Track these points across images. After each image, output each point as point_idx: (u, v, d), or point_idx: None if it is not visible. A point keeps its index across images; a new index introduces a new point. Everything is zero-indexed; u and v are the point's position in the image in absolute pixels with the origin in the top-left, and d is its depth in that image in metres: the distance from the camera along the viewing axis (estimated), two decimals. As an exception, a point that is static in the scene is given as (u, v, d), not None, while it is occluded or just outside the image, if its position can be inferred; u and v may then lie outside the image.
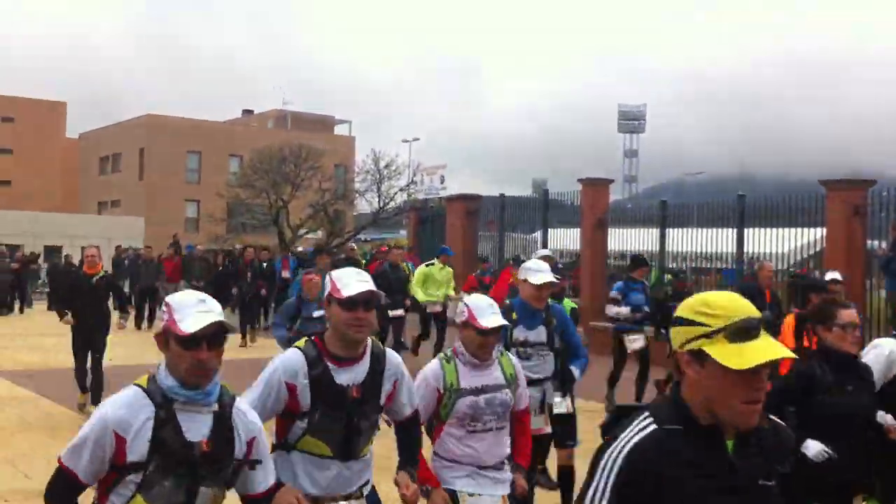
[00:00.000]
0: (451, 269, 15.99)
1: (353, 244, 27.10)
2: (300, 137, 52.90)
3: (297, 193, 39.89)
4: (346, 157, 60.82)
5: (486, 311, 4.48)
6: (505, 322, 4.55)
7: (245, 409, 3.40)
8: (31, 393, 12.15)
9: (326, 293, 3.99)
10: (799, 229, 16.30)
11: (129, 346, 16.36)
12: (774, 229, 16.31)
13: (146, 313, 22.55)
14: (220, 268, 23.13)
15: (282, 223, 38.86)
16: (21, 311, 26.25)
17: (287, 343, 9.18)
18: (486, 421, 4.56)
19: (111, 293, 11.46)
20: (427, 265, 15.82)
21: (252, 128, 69.90)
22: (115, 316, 11.77)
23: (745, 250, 16.89)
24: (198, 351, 3.18)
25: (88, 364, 11.16)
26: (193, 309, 3.20)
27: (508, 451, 4.71)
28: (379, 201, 40.28)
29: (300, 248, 28.80)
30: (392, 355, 4.10)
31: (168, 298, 3.34)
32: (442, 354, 4.72)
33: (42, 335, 19.34)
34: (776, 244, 16.25)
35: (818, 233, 16.29)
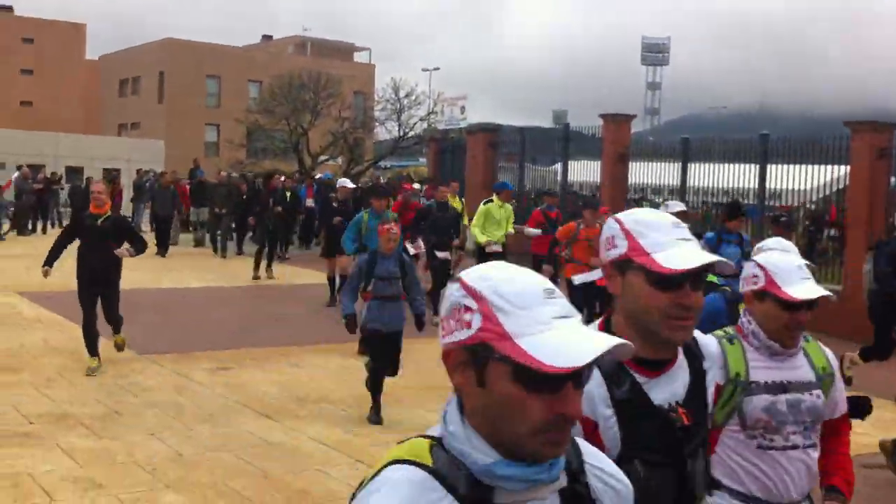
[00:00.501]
0: (510, 207, 14.68)
1: (378, 174, 26.73)
2: (319, 64, 52.60)
3: (317, 121, 39.82)
4: (366, 84, 60.33)
5: (794, 276, 3.05)
6: (825, 292, 3.05)
7: (601, 461, 1.71)
8: (55, 315, 12.31)
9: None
10: (822, 166, 16.17)
11: (144, 271, 16.50)
12: (797, 165, 16.19)
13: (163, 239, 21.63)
14: (244, 195, 21.97)
15: (301, 150, 38.86)
16: (44, 231, 26.47)
17: (353, 321, 7.98)
18: (788, 434, 3.09)
19: (120, 236, 9.14)
20: (486, 202, 14.41)
21: (271, 53, 69.33)
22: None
23: (768, 186, 16.79)
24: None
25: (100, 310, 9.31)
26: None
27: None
28: (399, 130, 40.20)
29: (318, 175, 28.68)
30: (706, 341, 2.44)
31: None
32: (721, 332, 3.16)
33: (64, 256, 19.55)
34: (799, 181, 16.17)
35: (841, 170, 16.16)
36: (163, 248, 20.87)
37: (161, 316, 12.82)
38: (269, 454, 6.72)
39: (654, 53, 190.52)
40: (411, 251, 13.54)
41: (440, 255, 13.53)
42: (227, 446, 6.86)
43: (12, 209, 25.55)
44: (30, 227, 25.89)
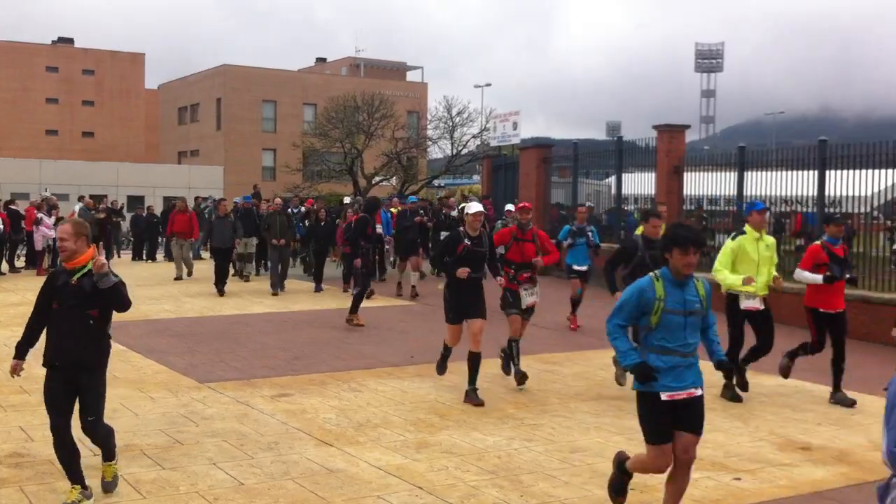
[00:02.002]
0: (772, 239, 10.27)
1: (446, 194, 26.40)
2: (373, 85, 53.02)
3: (371, 142, 40.11)
4: (419, 103, 60.65)
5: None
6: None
7: None
8: (118, 346, 12.48)
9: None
10: (883, 171, 15.82)
11: (203, 298, 16.65)
12: (856, 171, 15.87)
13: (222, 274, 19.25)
14: (323, 222, 20.71)
15: (356, 172, 39.16)
16: (108, 259, 26.99)
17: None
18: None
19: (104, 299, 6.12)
20: (734, 236, 10.12)
21: (326, 76, 70.06)
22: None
23: (827, 193, 16.49)
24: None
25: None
26: None
27: None
28: (452, 148, 40.33)
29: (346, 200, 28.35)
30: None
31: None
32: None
33: (127, 286, 19.92)
34: (859, 187, 15.84)
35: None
36: (220, 286, 18.87)
37: (221, 343, 12.97)
38: (329, 482, 6.75)
39: (708, 60, 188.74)
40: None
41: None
42: (289, 474, 6.91)
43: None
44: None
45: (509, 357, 10.45)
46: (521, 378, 10.19)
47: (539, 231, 11.08)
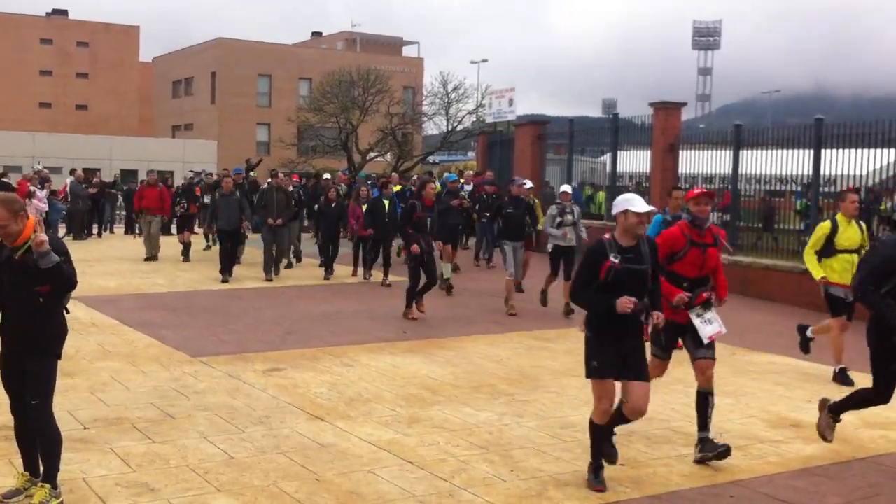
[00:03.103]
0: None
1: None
2: (369, 60, 52.78)
3: (366, 118, 40.00)
4: (415, 78, 60.51)
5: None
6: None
7: None
8: (110, 319, 12.52)
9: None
10: (878, 150, 15.80)
11: (195, 272, 16.58)
12: (852, 150, 15.83)
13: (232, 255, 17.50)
14: (333, 203, 18.08)
15: (351, 147, 39.07)
16: (99, 234, 26.92)
17: None
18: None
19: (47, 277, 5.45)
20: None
21: (321, 50, 69.75)
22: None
23: (822, 172, 16.47)
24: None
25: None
26: None
27: None
28: (447, 124, 40.25)
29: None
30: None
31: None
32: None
33: (120, 259, 19.86)
34: (854, 166, 15.81)
35: (898, 154, 15.79)
36: (227, 273, 16.91)
37: (214, 317, 12.96)
38: (320, 456, 6.76)
39: (706, 38, 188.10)
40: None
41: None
42: (279, 448, 6.91)
43: (64, 213, 25.90)
44: (85, 231, 26.27)
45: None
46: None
47: (720, 230, 8.41)
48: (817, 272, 9.51)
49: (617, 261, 6.02)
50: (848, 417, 7.01)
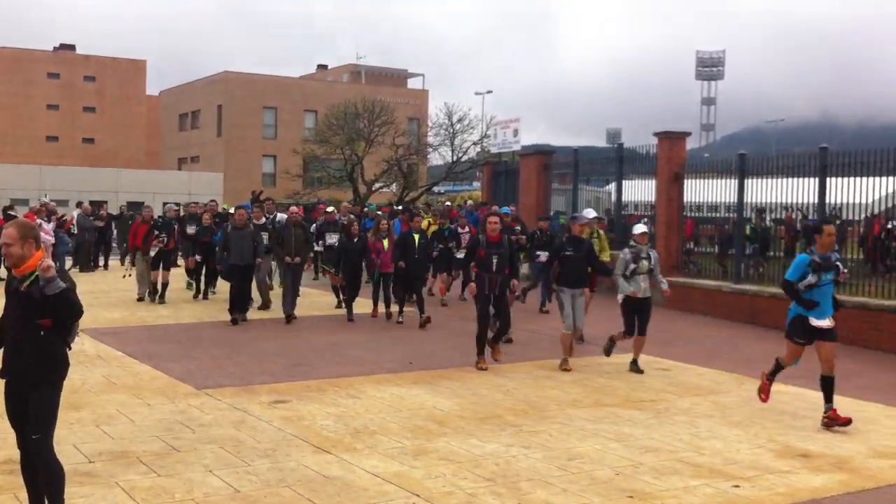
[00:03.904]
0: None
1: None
2: (374, 92, 53.07)
3: (371, 149, 40.18)
4: (420, 109, 60.75)
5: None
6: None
7: None
8: (115, 351, 12.51)
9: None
10: (883, 178, 15.79)
11: (202, 306, 16.46)
12: (857, 178, 15.83)
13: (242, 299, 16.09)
14: (356, 238, 16.61)
15: (356, 178, 39.21)
16: (106, 267, 26.96)
17: None
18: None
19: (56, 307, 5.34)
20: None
21: (327, 83, 70.16)
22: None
23: (828, 201, 16.46)
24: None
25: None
26: None
27: None
28: (452, 155, 40.39)
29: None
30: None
31: None
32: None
33: (126, 291, 19.85)
34: (859, 194, 15.81)
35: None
36: (240, 314, 15.73)
37: (219, 349, 12.94)
38: (325, 489, 6.71)
39: (709, 68, 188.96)
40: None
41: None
42: (285, 481, 6.87)
43: (70, 246, 25.93)
44: (92, 262, 26.32)
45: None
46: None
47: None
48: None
49: None
50: (857, 447, 6.94)
